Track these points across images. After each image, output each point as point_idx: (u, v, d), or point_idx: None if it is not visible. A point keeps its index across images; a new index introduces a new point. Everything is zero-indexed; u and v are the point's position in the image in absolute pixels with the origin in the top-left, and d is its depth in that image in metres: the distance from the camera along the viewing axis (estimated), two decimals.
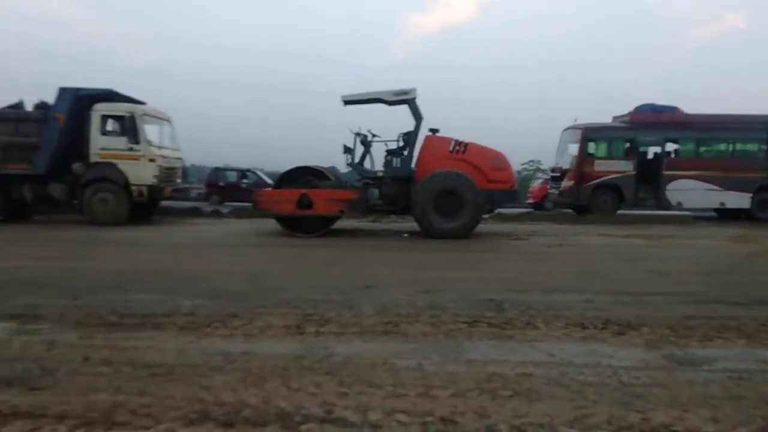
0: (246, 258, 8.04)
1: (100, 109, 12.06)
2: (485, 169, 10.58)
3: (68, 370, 3.06)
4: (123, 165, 11.95)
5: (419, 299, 4.92)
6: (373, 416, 2.49)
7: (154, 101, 13.43)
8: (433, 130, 10.95)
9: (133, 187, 12.00)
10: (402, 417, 2.48)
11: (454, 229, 10.19)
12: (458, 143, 10.73)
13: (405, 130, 10.96)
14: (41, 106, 12.19)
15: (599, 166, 16.04)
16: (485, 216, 11.15)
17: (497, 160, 10.82)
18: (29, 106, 12.43)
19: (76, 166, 11.98)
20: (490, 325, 4.10)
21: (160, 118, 13.09)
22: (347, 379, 2.97)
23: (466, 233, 10.29)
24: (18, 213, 12.88)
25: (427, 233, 10.37)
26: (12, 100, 12.51)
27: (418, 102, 10.71)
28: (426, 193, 10.22)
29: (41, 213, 13.79)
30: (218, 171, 23.68)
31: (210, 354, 3.37)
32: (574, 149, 16.49)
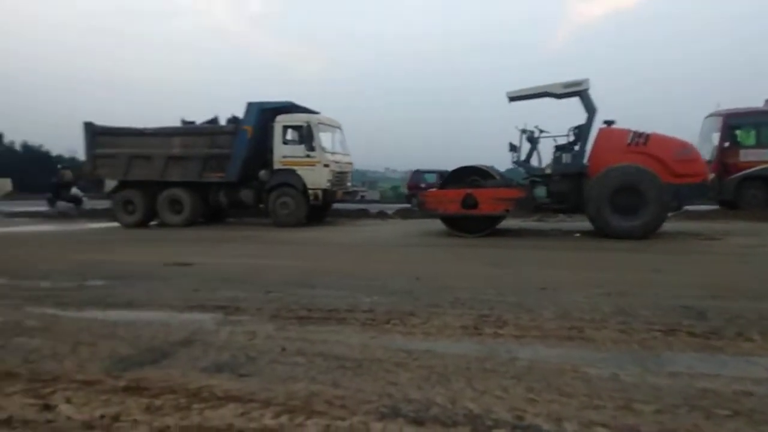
0: (414, 257, 8.19)
1: (282, 120, 13.20)
2: (670, 162, 9.60)
3: (269, 359, 3.33)
4: (301, 171, 12.94)
5: (603, 303, 4.58)
6: (569, 427, 2.33)
7: (324, 110, 14.37)
8: (608, 122, 10.22)
9: (310, 191, 12.93)
10: (602, 431, 2.30)
11: (633, 228, 9.39)
12: (638, 135, 9.87)
13: (576, 124, 10.37)
14: (233, 120, 13.67)
15: (746, 156, 13.83)
16: (670, 214, 10.12)
17: (684, 151, 9.76)
18: (223, 121, 14.01)
19: (262, 173, 13.25)
20: (690, 334, 3.66)
21: (332, 126, 13.94)
22: (535, 385, 2.83)
23: (647, 233, 9.43)
24: (215, 216, 14.61)
25: (602, 233, 9.69)
26: (209, 116, 14.22)
27: (590, 93, 10.07)
28: (601, 190, 9.56)
29: (233, 216, 15.48)
30: (418, 173, 24.75)
31: (393, 350, 3.45)
32: (717, 138, 14.43)
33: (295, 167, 12.98)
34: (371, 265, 7.43)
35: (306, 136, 12.90)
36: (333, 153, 13.47)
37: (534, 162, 10.77)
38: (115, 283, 5.94)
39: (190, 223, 13.51)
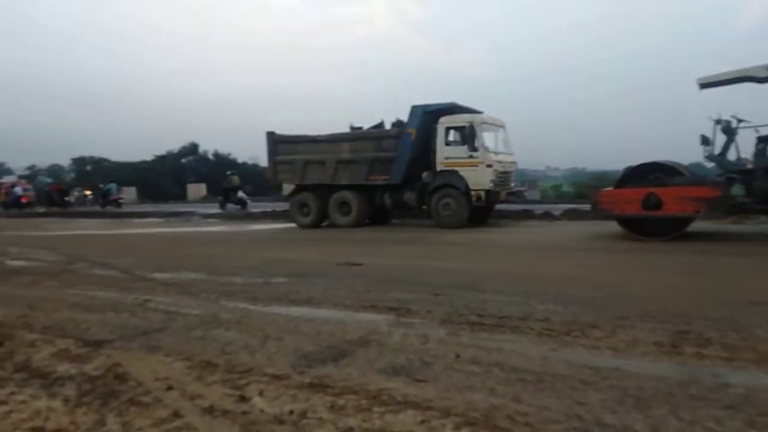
0: (589, 263, 7.62)
1: (444, 121, 13.20)
2: None
3: (444, 365, 3.25)
4: (464, 172, 12.81)
5: None
6: None
7: (492, 110, 14.09)
8: None
9: (473, 192, 12.75)
10: None
11: None
12: None
13: None
14: (397, 124, 13.99)
15: None
16: None
17: None
18: (388, 125, 14.41)
19: (425, 175, 13.36)
20: None
21: (496, 125, 13.62)
22: (758, 419, 2.40)
23: None
24: (380, 217, 15.08)
25: None
26: (376, 121, 14.73)
27: None
28: None
29: (397, 217, 15.86)
30: None
31: (576, 366, 3.18)
32: None
33: (457, 168, 12.89)
34: (541, 269, 7.06)
35: (468, 136, 12.75)
36: (496, 153, 13.15)
37: (731, 156, 9.47)
38: (295, 280, 6.34)
39: (357, 224, 14.10)
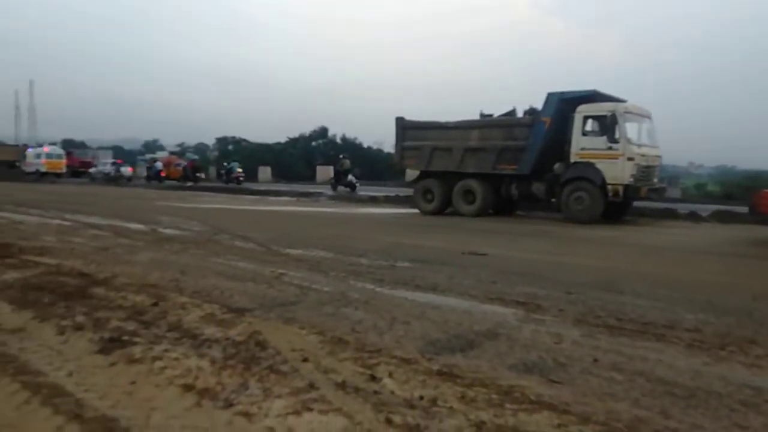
0: (743, 270, 6.87)
1: (583, 110, 12.48)
2: None
3: (580, 368, 3.06)
4: (601, 164, 12.05)
5: None
6: None
7: (625, 96, 13.10)
8: None
9: (609, 186, 11.96)
10: None
11: None
12: None
13: None
14: (530, 112, 13.49)
15: None
16: None
17: None
18: (520, 113, 13.94)
19: (557, 166, 12.76)
20: None
21: (641, 115, 12.65)
22: None
23: None
24: (505, 208, 14.69)
25: None
26: (507, 108, 14.32)
27: None
28: None
29: (523, 209, 15.35)
30: None
31: (734, 384, 2.84)
32: None
33: (594, 160, 12.14)
34: (687, 273, 6.46)
35: (609, 126, 11.95)
36: (639, 145, 12.20)
37: None
38: (420, 266, 6.35)
39: (480, 214, 13.85)
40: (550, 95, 12.71)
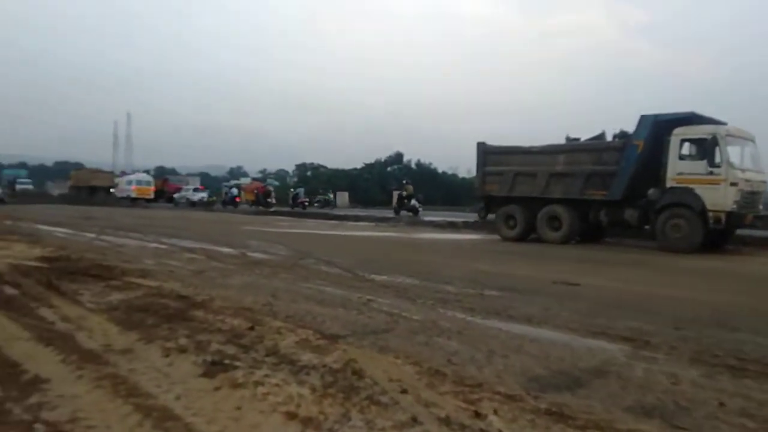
0: None
1: (680, 132, 11.80)
2: None
3: (705, 413, 2.79)
4: (700, 190, 11.30)
5: None
6: None
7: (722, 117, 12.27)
8: None
9: (710, 213, 11.17)
10: None
11: None
12: None
13: None
14: (621, 135, 12.93)
15: None
16: None
17: None
18: (609, 137, 13.40)
19: (652, 192, 12.08)
20: None
21: (744, 138, 11.80)
22: None
23: None
24: (592, 235, 14.05)
25: None
26: (595, 132, 13.81)
27: None
28: None
29: (611, 236, 14.64)
30: None
31: None
32: None
33: (692, 185, 11.40)
34: None
35: (709, 149, 11.21)
36: (743, 170, 11.35)
37: None
38: (510, 295, 6.13)
39: (566, 241, 13.32)
40: (643, 117, 12.13)
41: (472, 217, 21.33)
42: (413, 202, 25.72)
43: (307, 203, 33.54)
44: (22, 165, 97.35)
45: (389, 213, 27.03)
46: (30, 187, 55.52)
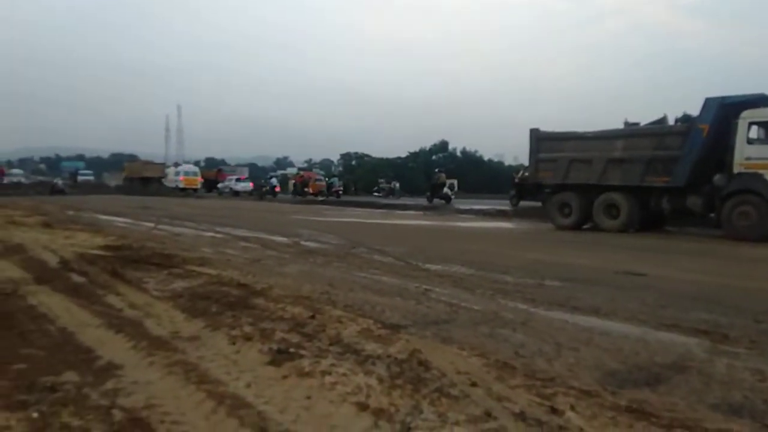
0: None
1: (748, 116, 11.15)
2: None
3: None
4: None
5: None
6: None
7: None
8: None
9: None
10: None
11: None
12: None
13: None
14: (684, 119, 12.37)
15: None
16: None
17: None
18: (672, 120, 12.82)
19: (717, 178, 11.49)
20: None
21: None
22: None
23: None
24: (652, 223, 13.51)
25: None
26: (656, 116, 13.25)
27: None
28: None
29: (673, 224, 14.05)
30: None
31: None
32: None
33: (762, 171, 10.77)
34: None
35: None
36: None
37: None
38: (572, 285, 5.94)
39: (625, 229, 12.84)
40: (708, 100, 11.52)
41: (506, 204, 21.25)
42: (446, 189, 27.06)
43: (341, 191, 34.83)
44: (80, 157, 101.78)
45: (437, 201, 26.92)
46: (91, 178, 57.92)
